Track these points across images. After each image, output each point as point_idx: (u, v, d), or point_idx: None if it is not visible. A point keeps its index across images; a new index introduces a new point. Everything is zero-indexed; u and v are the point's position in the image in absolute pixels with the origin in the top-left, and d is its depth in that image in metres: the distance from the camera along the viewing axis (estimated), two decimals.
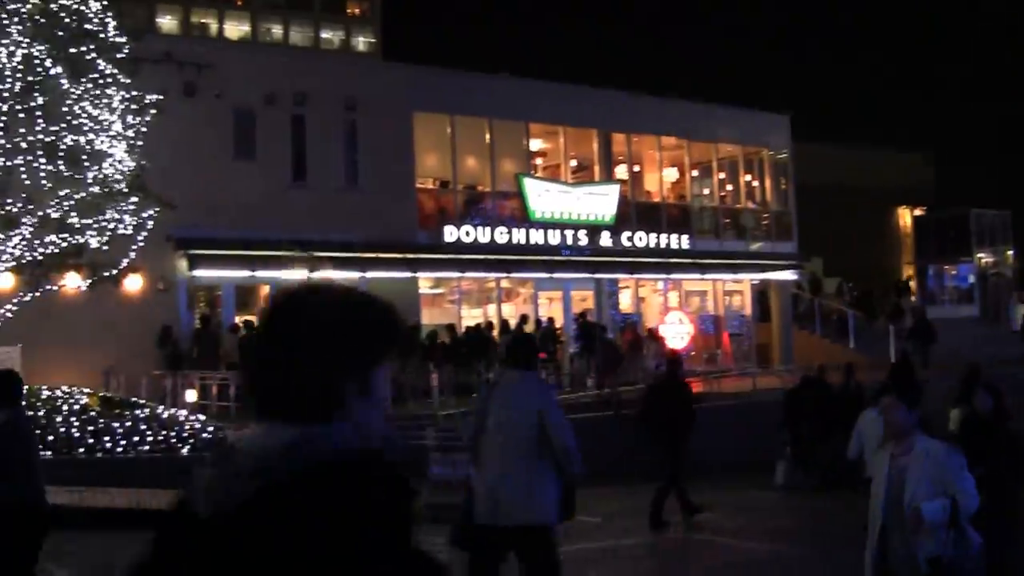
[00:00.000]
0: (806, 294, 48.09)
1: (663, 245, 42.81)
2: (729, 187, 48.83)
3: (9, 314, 22.94)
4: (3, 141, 21.79)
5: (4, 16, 21.63)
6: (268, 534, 2.28)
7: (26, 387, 21.33)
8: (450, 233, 37.62)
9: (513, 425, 9.41)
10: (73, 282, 24.67)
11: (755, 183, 49.29)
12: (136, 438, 21.22)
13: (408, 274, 36.10)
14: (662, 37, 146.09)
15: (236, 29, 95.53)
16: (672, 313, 37.33)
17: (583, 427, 20.57)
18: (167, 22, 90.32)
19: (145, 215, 23.42)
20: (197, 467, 2.54)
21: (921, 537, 7.47)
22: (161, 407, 24.01)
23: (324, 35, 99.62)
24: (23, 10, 21.68)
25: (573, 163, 43.87)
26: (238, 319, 31.84)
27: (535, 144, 42.74)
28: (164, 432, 21.65)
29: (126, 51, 23.40)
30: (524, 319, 37.12)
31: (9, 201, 21.72)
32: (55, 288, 24.43)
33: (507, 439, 9.43)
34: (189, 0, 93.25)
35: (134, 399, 25.07)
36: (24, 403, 10.20)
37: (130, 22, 24.57)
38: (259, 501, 2.32)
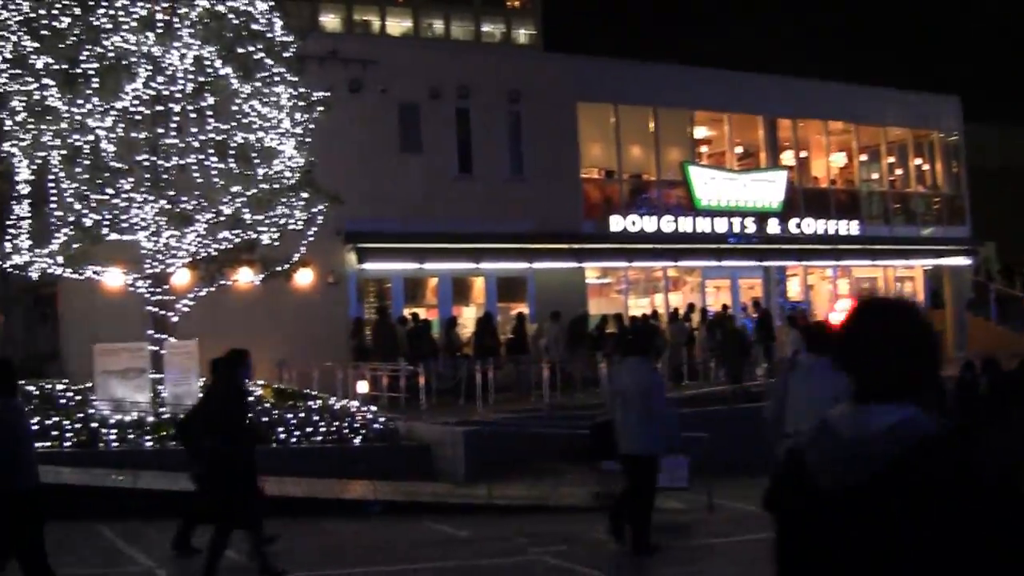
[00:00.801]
0: (981, 279, 46.65)
1: (832, 231, 42.00)
2: (899, 171, 47.62)
3: (186, 308, 23.58)
4: (176, 140, 22.43)
5: (175, 20, 22.26)
6: (913, 497, 2.79)
7: (203, 379, 22.17)
8: (616, 222, 37.48)
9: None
10: (246, 277, 25.24)
11: (925, 167, 48.00)
12: (309, 429, 21.61)
13: (574, 264, 36.12)
14: (827, 20, 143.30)
15: (398, 25, 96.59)
16: (842, 301, 36.66)
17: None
18: (330, 20, 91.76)
19: (315, 210, 23.85)
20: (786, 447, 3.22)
21: None
22: (333, 398, 24.42)
23: (485, 28, 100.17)
24: (193, 14, 22.26)
25: (739, 150, 43.34)
26: (406, 311, 32.21)
27: (700, 132, 42.35)
28: (336, 423, 22.01)
29: (293, 50, 23.83)
30: (691, 308, 36.81)
31: (184, 199, 22.33)
32: (229, 283, 25.03)
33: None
34: None
35: (306, 391, 25.57)
36: (16, 395, 10.30)
37: (295, 21, 25.00)
38: (893, 471, 2.83)
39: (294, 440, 21.24)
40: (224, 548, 12.30)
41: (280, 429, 21.19)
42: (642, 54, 47.47)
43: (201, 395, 16.42)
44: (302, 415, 22.12)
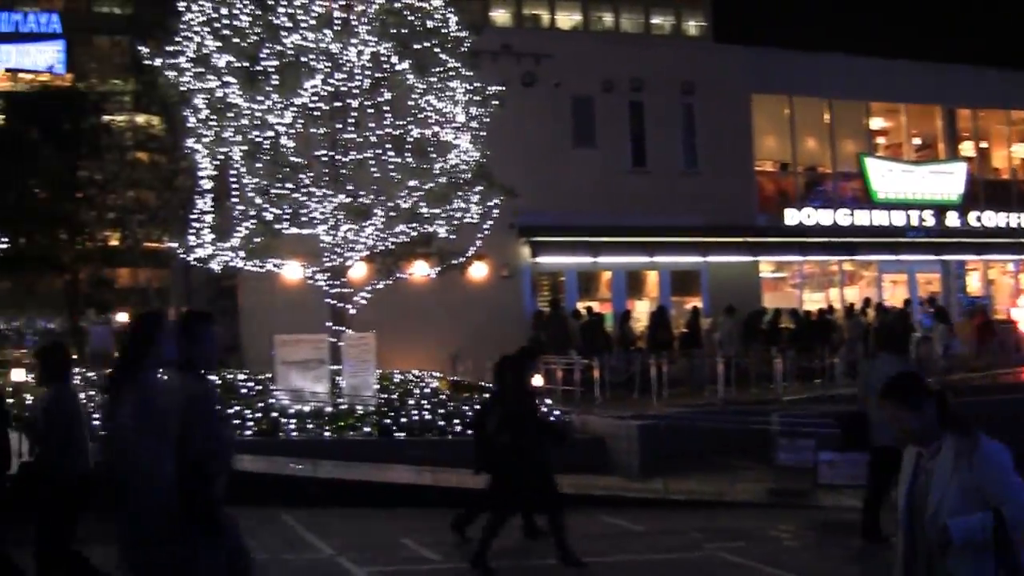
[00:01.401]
0: None
1: (1014, 224, 40.67)
2: None
3: (364, 301, 23.91)
4: (354, 136, 22.75)
5: (352, 18, 22.58)
6: None
7: (379, 371, 22.44)
8: (791, 216, 36.96)
9: None
10: (422, 270, 25.47)
11: None
12: None
13: (749, 258, 35.70)
14: (1007, 7, 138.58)
15: (568, 19, 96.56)
16: None
17: None
18: (500, 15, 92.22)
19: (490, 204, 23.94)
20: None
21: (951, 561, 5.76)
22: None
23: (655, 20, 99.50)
24: (370, 11, 22.56)
25: (916, 141, 42.26)
26: (580, 305, 32.18)
27: (876, 123, 41.44)
28: None
29: (467, 45, 23.96)
30: (867, 302, 36.04)
31: (362, 193, 22.64)
32: (405, 276, 25.29)
33: None
34: None
35: (481, 383, 25.68)
36: (71, 380, 10.29)
37: (468, 17, 25.15)
38: None
39: (470, 432, 21.31)
40: (494, 535, 12.50)
41: (456, 420, 21.31)
42: (817, 44, 46.55)
43: (491, 393, 16.68)
44: (478, 407, 22.20)
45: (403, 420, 21.06)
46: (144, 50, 23.82)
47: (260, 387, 22.23)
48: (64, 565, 9.46)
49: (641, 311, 34.18)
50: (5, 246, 27.80)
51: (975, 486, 5.71)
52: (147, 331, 6.99)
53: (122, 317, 58.49)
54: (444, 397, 23.08)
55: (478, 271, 29.46)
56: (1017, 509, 5.62)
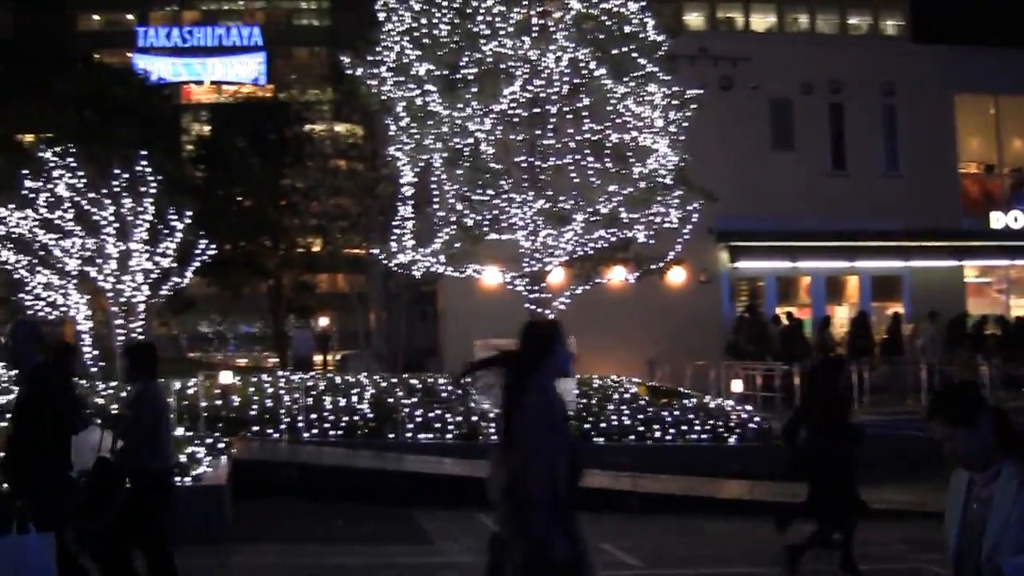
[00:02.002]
0: None
1: None
2: None
3: (562, 306, 23.96)
4: (553, 141, 22.83)
5: (550, 24, 22.66)
6: None
7: (578, 376, 22.47)
8: (997, 219, 35.74)
9: None
10: (619, 275, 25.40)
11: None
12: (684, 427, 21.54)
13: (953, 263, 34.67)
14: None
15: (762, 21, 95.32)
16: None
17: None
18: (694, 19, 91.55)
19: (689, 208, 23.75)
20: None
21: None
22: (708, 397, 24.27)
23: (851, 21, 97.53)
24: (567, 17, 22.60)
25: None
26: (779, 310, 31.74)
27: None
28: (711, 422, 21.85)
29: (664, 49, 23.82)
30: None
31: (562, 198, 22.69)
32: (603, 281, 25.26)
33: None
34: None
35: (680, 388, 25.53)
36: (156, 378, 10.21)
37: (664, 20, 25.02)
38: None
39: (669, 438, 21.22)
40: (850, 540, 12.48)
41: (656, 426, 21.21)
42: (1022, 41, 44.82)
43: (801, 401, 16.87)
44: (677, 412, 22.08)
45: (602, 425, 21.04)
46: (345, 60, 24.33)
47: (460, 391, 22.46)
48: (162, 563, 9.56)
49: (841, 317, 33.50)
50: (213, 252, 28.63)
51: None
52: (547, 339, 7.04)
53: (323, 322, 59.98)
54: (643, 403, 22.99)
55: (676, 276, 29.28)
56: None
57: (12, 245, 27.19)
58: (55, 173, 26.54)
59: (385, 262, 24.90)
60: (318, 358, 49.03)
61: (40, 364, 9.00)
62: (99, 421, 11.05)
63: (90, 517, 9.30)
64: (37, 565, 7.99)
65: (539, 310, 23.51)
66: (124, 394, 20.17)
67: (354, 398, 21.72)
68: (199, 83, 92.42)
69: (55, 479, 8.80)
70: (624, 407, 22.04)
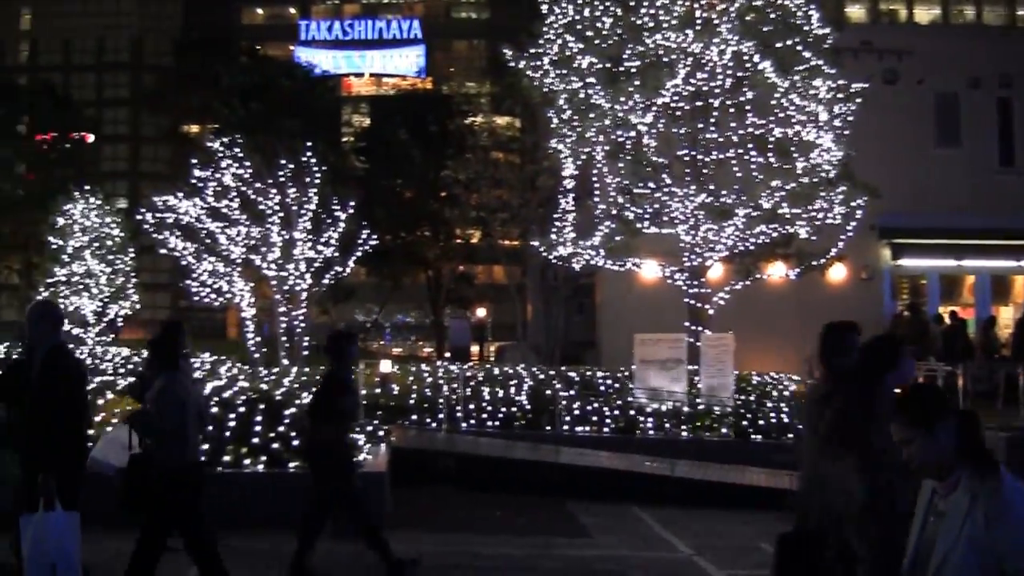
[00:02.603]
0: None
1: None
2: None
3: (721, 302, 23.79)
4: (716, 135, 22.65)
5: (714, 16, 22.48)
6: None
7: (736, 372, 22.25)
8: None
9: None
10: (779, 271, 25.11)
11: None
12: None
13: None
14: None
15: (926, 13, 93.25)
16: None
17: None
18: (856, 11, 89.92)
19: (853, 204, 23.35)
20: None
21: None
22: None
23: (1021, 12, 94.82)
24: (732, 9, 22.39)
25: None
26: (941, 309, 31.00)
27: None
28: None
29: (829, 42, 23.46)
30: None
31: (723, 193, 22.52)
32: (763, 277, 25.00)
33: None
34: None
35: None
36: (182, 369, 9.97)
37: (826, 13, 24.60)
38: None
39: None
40: None
41: None
42: None
43: None
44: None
45: (760, 423, 20.82)
46: (507, 53, 24.47)
47: (618, 385, 22.43)
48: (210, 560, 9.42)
49: (1007, 317, 32.55)
50: (374, 242, 29.10)
51: (989, 545, 4.34)
52: (892, 354, 7.13)
53: (479, 313, 60.57)
54: (803, 401, 22.65)
55: (837, 273, 28.83)
56: None
57: (180, 232, 27.99)
58: (223, 163, 27.22)
59: (544, 254, 24.99)
60: (474, 348, 49.52)
61: (56, 346, 8.91)
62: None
63: (128, 513, 9.23)
64: (63, 543, 8.19)
65: (698, 305, 23.38)
66: (287, 380, 20.67)
67: (512, 389, 21.82)
68: (359, 75, 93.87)
69: (72, 462, 8.77)
70: (783, 405, 21.75)
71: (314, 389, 12.47)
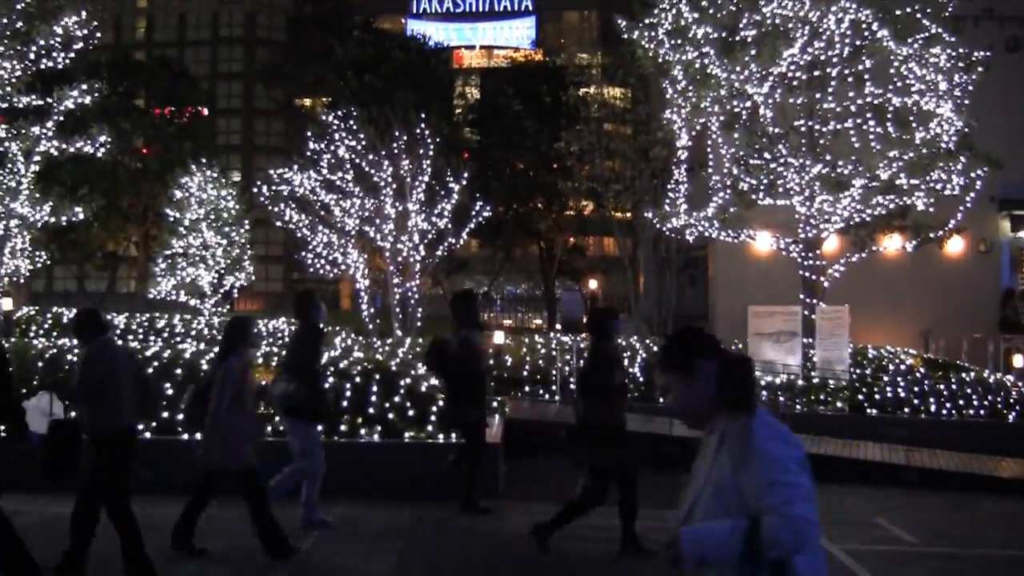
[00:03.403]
0: None
1: None
2: None
3: (836, 274, 23.51)
4: (833, 105, 22.34)
5: None
6: None
7: (852, 346, 22.00)
8: None
9: None
10: (896, 244, 24.75)
11: None
12: (961, 401, 20.85)
13: None
14: None
15: None
16: None
17: None
18: None
19: (972, 175, 22.89)
20: None
21: None
22: (986, 371, 23.41)
23: None
24: None
25: None
26: None
27: None
28: (989, 397, 21.08)
29: (950, 9, 22.97)
30: None
31: (840, 164, 22.22)
32: (879, 249, 24.67)
33: None
34: None
35: (957, 362, 24.70)
36: (108, 335, 9.95)
37: None
38: None
39: (945, 412, 20.58)
40: None
41: (931, 400, 20.61)
42: None
43: None
44: (953, 386, 21.38)
45: (876, 397, 20.57)
46: (621, 23, 24.36)
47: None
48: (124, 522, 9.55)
49: None
50: (487, 214, 29.26)
51: (733, 488, 4.11)
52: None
53: (591, 285, 60.59)
54: (918, 375, 22.35)
55: (954, 245, 28.33)
56: (782, 524, 3.91)
57: (294, 205, 28.36)
58: (337, 136, 27.50)
59: (657, 226, 24.89)
60: (586, 320, 49.46)
61: None
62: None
63: (53, 478, 9.36)
64: None
65: (813, 277, 23.13)
66: (402, 351, 20.86)
67: (625, 361, 21.81)
68: (470, 48, 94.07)
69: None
70: (899, 379, 21.46)
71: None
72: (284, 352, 14.10)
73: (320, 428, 12.05)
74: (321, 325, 12.12)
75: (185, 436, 13.85)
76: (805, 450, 4.16)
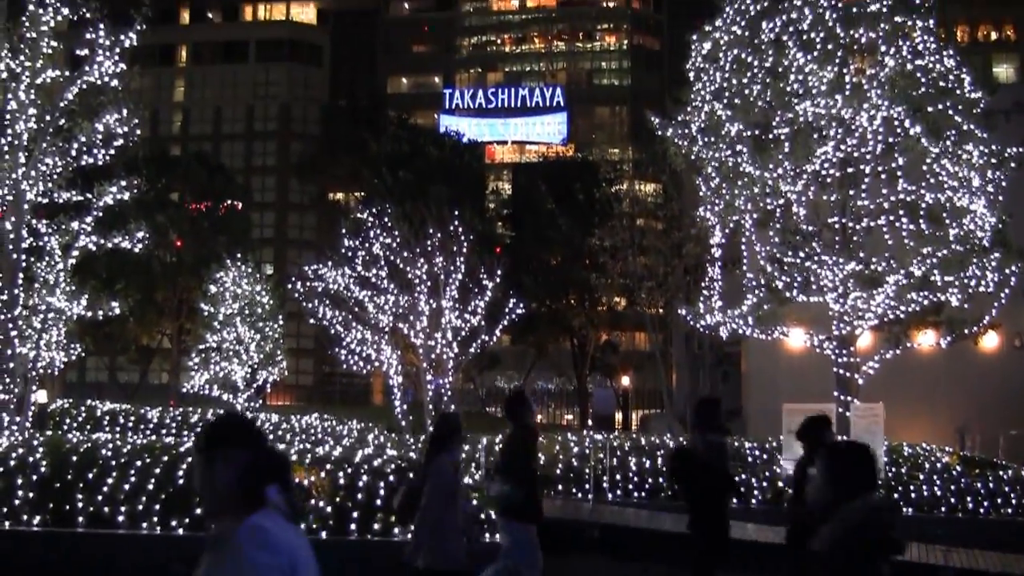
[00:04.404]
0: None
1: None
2: None
3: (870, 371, 23.38)
4: (866, 202, 22.35)
5: (864, 81, 22.25)
6: None
7: (887, 443, 21.81)
8: None
9: None
10: (930, 339, 24.63)
11: None
12: (999, 499, 20.62)
13: None
14: None
15: None
16: None
17: None
18: (1003, 71, 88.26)
19: (1007, 271, 22.79)
20: None
21: None
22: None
23: None
24: (882, 75, 22.15)
25: None
26: None
27: None
28: None
29: (981, 106, 23.03)
30: None
31: (873, 260, 22.18)
32: (913, 345, 24.54)
33: None
34: None
35: (994, 460, 24.46)
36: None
37: (976, 74, 24.12)
38: None
39: (983, 510, 20.35)
40: None
41: (968, 498, 20.38)
42: None
43: None
44: (991, 484, 21.15)
45: (912, 495, 20.37)
46: (654, 120, 24.56)
47: (765, 455, 22.17)
48: None
49: None
50: (520, 311, 29.32)
51: None
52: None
53: (623, 381, 60.40)
54: (955, 473, 22.12)
55: (989, 341, 28.14)
56: None
57: (328, 301, 28.49)
58: (371, 232, 27.70)
59: (691, 322, 24.86)
60: (618, 416, 49.37)
61: None
62: None
63: None
64: None
65: (847, 374, 23.00)
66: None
67: (658, 460, 21.69)
68: (502, 143, 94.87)
69: None
70: (936, 477, 21.25)
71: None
72: (498, 452, 14.20)
73: (535, 528, 12.06)
74: (534, 424, 12.20)
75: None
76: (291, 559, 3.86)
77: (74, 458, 16.29)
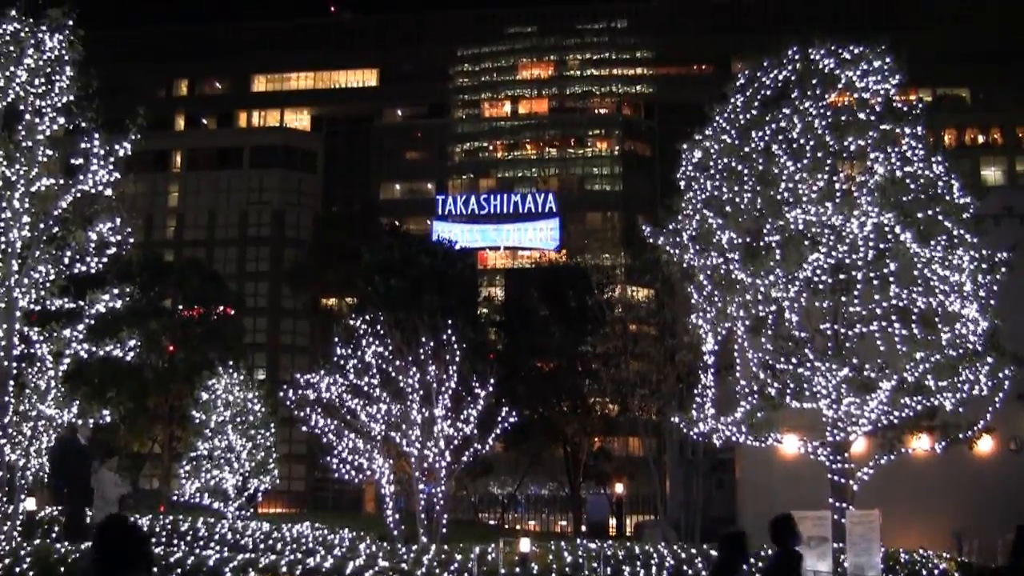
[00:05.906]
0: None
1: None
2: None
3: (865, 477, 23.25)
4: (858, 308, 22.41)
5: (854, 189, 22.44)
6: None
7: (884, 550, 21.61)
8: None
9: None
10: (924, 444, 24.55)
11: None
12: None
13: None
14: None
15: None
16: None
17: None
18: (991, 174, 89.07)
19: (1000, 375, 22.77)
20: None
21: None
22: None
23: None
24: (871, 182, 22.34)
25: None
26: None
27: None
28: None
29: (971, 211, 23.20)
30: None
31: (867, 366, 22.18)
32: (907, 451, 24.45)
33: None
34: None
35: (992, 565, 24.24)
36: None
37: (967, 180, 24.35)
38: None
39: None
40: None
41: None
42: None
43: None
44: None
45: None
46: (645, 228, 24.69)
47: (761, 564, 21.90)
48: None
49: None
50: (513, 419, 29.21)
51: None
52: None
53: (617, 488, 60.04)
54: None
55: (984, 445, 28.04)
56: None
57: (321, 409, 28.36)
58: (363, 341, 27.65)
59: (684, 429, 24.78)
60: (612, 523, 49.01)
61: None
62: None
63: None
64: None
65: (841, 480, 22.87)
66: (427, 557, 20.54)
67: (652, 568, 21.45)
68: (495, 249, 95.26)
69: None
70: None
71: None
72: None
73: None
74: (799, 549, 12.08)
75: None
76: None
77: (62, 568, 16.10)
